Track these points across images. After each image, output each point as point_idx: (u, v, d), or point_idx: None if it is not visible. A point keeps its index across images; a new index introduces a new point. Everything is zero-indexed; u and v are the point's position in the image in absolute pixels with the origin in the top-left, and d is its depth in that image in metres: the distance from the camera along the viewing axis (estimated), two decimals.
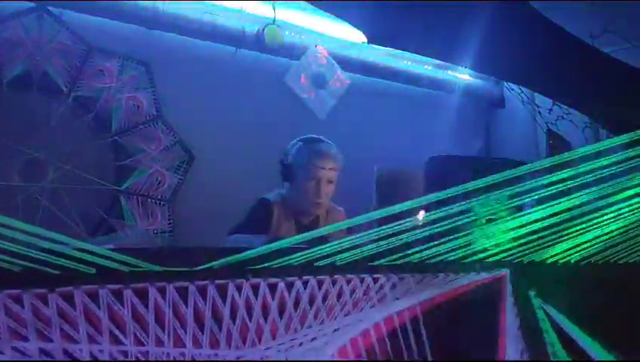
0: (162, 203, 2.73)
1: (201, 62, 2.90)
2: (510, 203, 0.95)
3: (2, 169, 2.37)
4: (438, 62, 3.59)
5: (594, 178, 1.01)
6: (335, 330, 0.68)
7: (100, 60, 2.61)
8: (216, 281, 0.65)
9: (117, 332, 0.56)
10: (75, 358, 0.53)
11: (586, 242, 1.10)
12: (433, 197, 0.78)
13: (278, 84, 2.89)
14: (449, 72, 3.73)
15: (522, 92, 2.98)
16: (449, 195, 0.81)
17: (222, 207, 2.26)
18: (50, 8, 2.49)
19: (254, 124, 2.91)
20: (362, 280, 0.76)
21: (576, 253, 1.11)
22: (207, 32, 2.86)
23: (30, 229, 0.57)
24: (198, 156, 2.83)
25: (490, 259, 0.95)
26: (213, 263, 0.69)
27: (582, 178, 1.00)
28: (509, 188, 0.91)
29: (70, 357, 0.53)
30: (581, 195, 1.02)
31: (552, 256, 1.08)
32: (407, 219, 0.83)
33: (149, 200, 2.70)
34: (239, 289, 0.66)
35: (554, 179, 0.98)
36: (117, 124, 2.66)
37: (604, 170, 1.01)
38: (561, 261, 1.10)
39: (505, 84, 3.71)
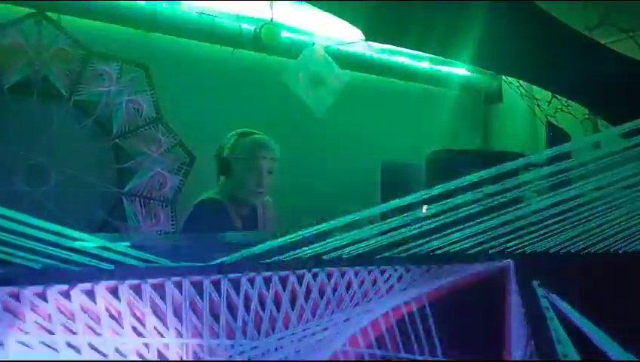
0: (164, 204, 2.75)
1: (200, 64, 2.92)
2: (511, 194, 0.96)
3: (6, 175, 2.38)
4: (435, 57, 3.60)
5: (594, 168, 1.03)
6: (345, 320, 0.70)
7: (99, 64, 2.63)
8: (230, 275, 0.67)
9: (137, 325, 0.58)
10: (100, 351, 0.55)
11: (586, 231, 1.12)
12: (439, 188, 0.80)
13: (277, 83, 2.91)
14: (446, 67, 3.75)
15: (521, 85, 3.01)
16: (453, 188, 0.83)
17: None
18: (48, 13, 2.51)
19: (253, 124, 2.92)
20: (370, 272, 0.78)
21: (577, 242, 1.13)
22: (204, 33, 2.87)
23: (51, 227, 0.59)
24: (199, 157, 2.85)
25: (494, 250, 0.97)
26: (226, 258, 0.71)
27: (582, 168, 1.02)
28: (510, 180, 0.93)
29: (95, 349, 0.54)
30: (581, 185, 1.04)
31: (554, 246, 1.10)
32: (412, 212, 0.85)
33: (152, 201, 2.72)
34: (252, 282, 0.68)
35: (554, 170, 1.00)
36: (118, 127, 2.67)
37: (604, 160, 1.03)
38: (562, 251, 1.12)
39: (503, 77, 3.73)
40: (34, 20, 2.48)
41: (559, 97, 2.61)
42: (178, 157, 2.82)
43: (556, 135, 1.82)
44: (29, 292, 0.55)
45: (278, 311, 0.67)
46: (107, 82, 2.65)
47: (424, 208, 0.89)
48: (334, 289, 0.73)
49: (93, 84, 2.62)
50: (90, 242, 0.62)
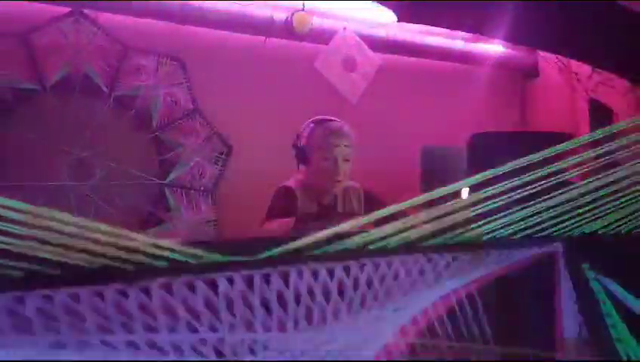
0: (205, 193, 2.80)
1: (232, 54, 2.94)
2: (559, 177, 0.94)
3: (53, 170, 2.47)
4: (468, 35, 3.52)
5: None
6: (395, 310, 0.70)
7: (136, 59, 2.68)
8: (279, 268, 0.68)
9: (193, 321, 0.60)
10: (159, 348, 0.57)
11: (635, 212, 1.09)
12: (486, 174, 0.79)
13: (309, 70, 2.90)
14: (480, 44, 3.65)
15: (558, 60, 2.91)
16: (498, 173, 0.82)
17: (262, 194, 2.30)
18: (85, 11, 2.57)
19: (288, 112, 2.93)
20: (417, 261, 0.78)
21: (627, 223, 1.10)
22: (236, 22, 2.89)
23: (103, 228, 0.61)
24: (236, 146, 2.88)
25: (542, 234, 0.95)
26: (273, 251, 0.72)
27: (629, 149, 0.99)
28: (558, 163, 0.90)
29: (154, 347, 0.56)
30: (629, 166, 1.01)
31: (602, 228, 1.07)
32: (457, 199, 0.84)
33: (193, 191, 2.77)
34: (300, 275, 0.68)
35: (601, 152, 0.97)
36: (157, 120, 2.73)
37: None
38: (611, 232, 1.09)
39: (540, 52, 3.62)
40: (72, 19, 2.53)
41: (600, 71, 2.52)
42: (216, 147, 2.86)
43: (600, 111, 1.75)
44: (87, 292, 0.57)
45: (328, 304, 0.68)
46: (145, 76, 2.71)
47: (464, 192, 0.88)
48: (382, 280, 0.73)
49: (131, 78, 2.67)
50: (141, 240, 0.64)
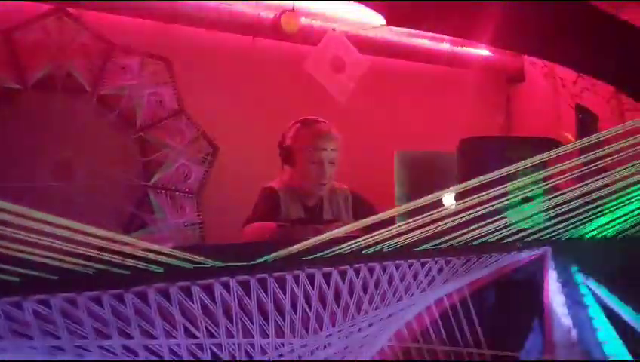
0: (190, 196, 2.77)
1: (220, 54, 2.92)
2: (548, 183, 0.96)
3: (34, 170, 2.43)
4: (455, 38, 3.55)
5: (627, 155, 1.02)
6: (390, 315, 0.70)
7: (120, 58, 2.64)
8: (275, 273, 0.68)
9: (190, 326, 0.60)
10: (156, 353, 0.56)
11: (621, 216, 1.11)
12: (477, 181, 0.80)
13: (298, 70, 2.90)
14: (467, 48, 3.69)
15: (544, 65, 2.95)
16: (491, 179, 0.83)
17: (249, 196, 2.28)
18: (68, 9, 2.52)
19: (275, 112, 2.92)
20: (411, 266, 0.78)
21: (612, 227, 1.12)
22: (224, 22, 2.86)
23: (101, 233, 0.60)
24: (223, 147, 2.86)
25: (531, 238, 0.96)
26: (269, 256, 0.72)
27: (615, 156, 1.01)
28: (548, 169, 0.92)
29: (151, 352, 0.56)
30: (615, 172, 1.03)
31: (589, 232, 1.09)
32: (447, 205, 0.85)
33: (177, 193, 2.74)
34: (296, 280, 0.68)
35: (589, 158, 0.99)
36: (141, 120, 2.69)
37: (634, 149, 1.01)
38: (598, 236, 1.11)
39: (525, 57, 3.66)
40: (56, 17, 2.49)
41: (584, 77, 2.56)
42: (202, 148, 2.84)
43: (585, 117, 1.79)
44: (84, 297, 0.56)
45: (324, 308, 0.68)
46: (129, 76, 2.67)
47: (449, 198, 0.88)
48: (377, 284, 0.73)
49: (115, 78, 2.63)
50: (137, 245, 0.63)
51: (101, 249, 0.61)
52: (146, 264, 0.63)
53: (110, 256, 0.61)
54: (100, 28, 2.60)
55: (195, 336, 0.59)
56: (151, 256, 0.65)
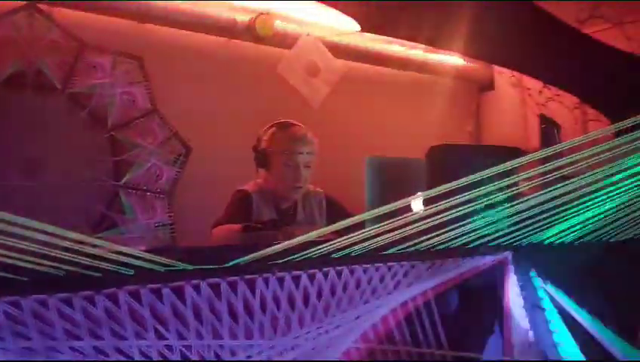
0: (161, 196, 2.76)
1: (194, 54, 2.91)
2: (512, 190, 1.00)
3: (2, 169, 2.38)
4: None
5: (587, 165, 1.06)
6: (357, 318, 0.73)
7: (92, 56, 2.61)
8: (245, 276, 0.69)
9: (160, 328, 0.61)
10: (126, 354, 0.57)
11: (579, 223, 1.16)
12: (444, 188, 0.83)
13: (272, 74, 2.91)
14: (439, 55, 3.76)
15: (512, 75, 3.04)
16: (459, 185, 0.86)
17: (221, 197, 2.29)
18: (39, 6, 2.49)
19: (249, 115, 2.93)
20: (378, 269, 0.81)
21: (571, 233, 1.17)
22: (198, 23, 2.86)
23: (73, 236, 0.61)
24: (195, 148, 2.85)
25: (493, 243, 1.00)
26: (240, 259, 0.73)
27: (576, 165, 1.06)
28: (512, 177, 0.96)
29: (121, 353, 0.57)
30: (575, 181, 1.08)
31: (549, 238, 1.14)
32: (415, 211, 0.88)
33: (148, 194, 2.72)
34: (266, 282, 0.70)
35: (550, 167, 1.03)
36: (112, 120, 2.67)
37: (594, 158, 1.06)
38: (557, 241, 1.16)
39: (495, 67, 3.75)
40: (26, 13, 2.45)
41: (550, 87, 2.65)
42: (174, 148, 2.82)
43: (549, 127, 1.85)
44: (55, 299, 0.57)
45: (293, 311, 0.70)
46: (101, 74, 2.64)
47: (417, 204, 0.92)
48: (345, 287, 0.76)
49: (86, 76, 2.60)
50: (107, 247, 0.64)
51: (72, 251, 0.62)
52: (117, 266, 0.64)
53: (81, 258, 0.62)
54: (71, 25, 2.57)
55: (165, 337, 0.60)
56: (122, 258, 0.66)
